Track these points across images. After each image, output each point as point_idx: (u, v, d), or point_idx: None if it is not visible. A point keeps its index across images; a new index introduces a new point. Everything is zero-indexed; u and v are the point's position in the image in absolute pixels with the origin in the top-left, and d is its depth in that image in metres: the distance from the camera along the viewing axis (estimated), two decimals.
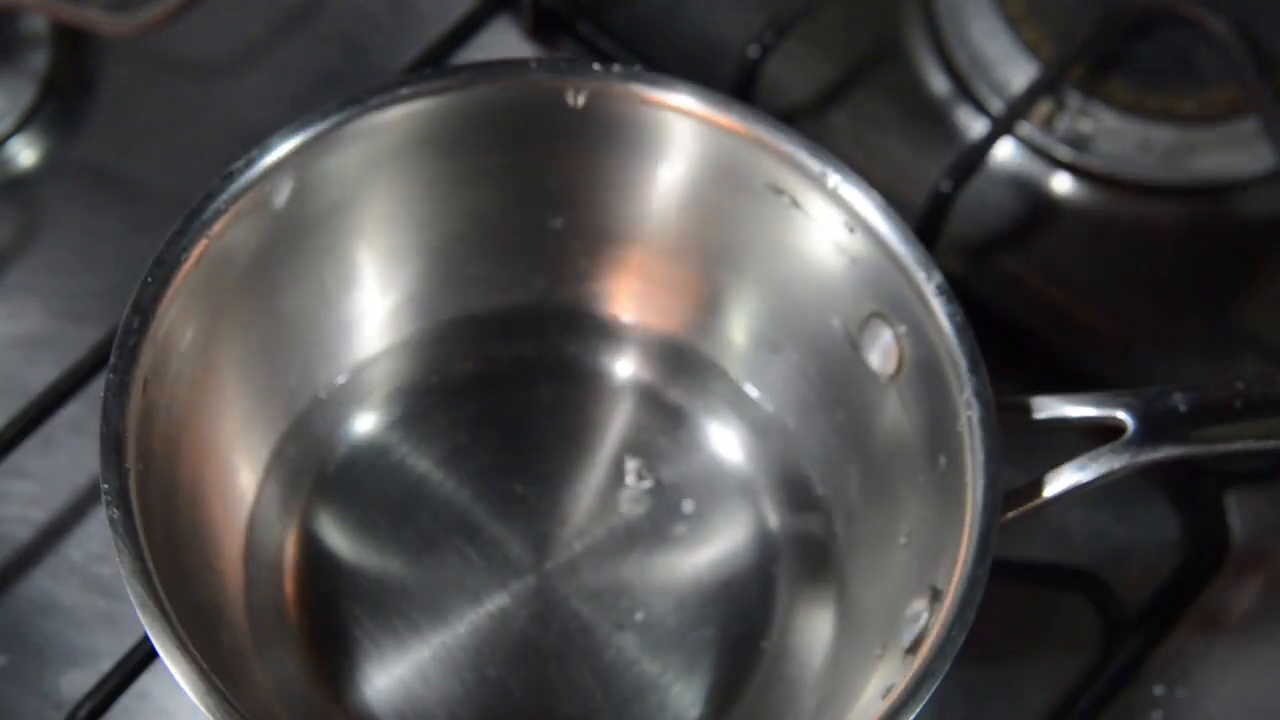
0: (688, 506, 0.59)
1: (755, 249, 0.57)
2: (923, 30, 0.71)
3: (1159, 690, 0.59)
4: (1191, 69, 0.69)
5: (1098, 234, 0.68)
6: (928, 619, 0.50)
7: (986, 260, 0.67)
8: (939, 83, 0.70)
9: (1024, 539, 0.59)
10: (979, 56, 0.69)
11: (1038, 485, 0.51)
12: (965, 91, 0.69)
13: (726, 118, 0.55)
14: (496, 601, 0.57)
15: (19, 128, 0.67)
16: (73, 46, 0.68)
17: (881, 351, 0.55)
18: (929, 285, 0.52)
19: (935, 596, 0.50)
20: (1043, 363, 0.64)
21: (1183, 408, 0.52)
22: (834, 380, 0.57)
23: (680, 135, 0.56)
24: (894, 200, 0.54)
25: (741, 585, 0.58)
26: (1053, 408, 0.52)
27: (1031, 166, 0.68)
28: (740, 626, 0.57)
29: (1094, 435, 0.52)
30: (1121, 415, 0.52)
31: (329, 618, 0.56)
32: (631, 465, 0.59)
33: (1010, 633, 0.59)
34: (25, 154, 0.67)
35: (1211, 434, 0.52)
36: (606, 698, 0.56)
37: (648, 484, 0.59)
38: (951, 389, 0.51)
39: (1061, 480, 0.51)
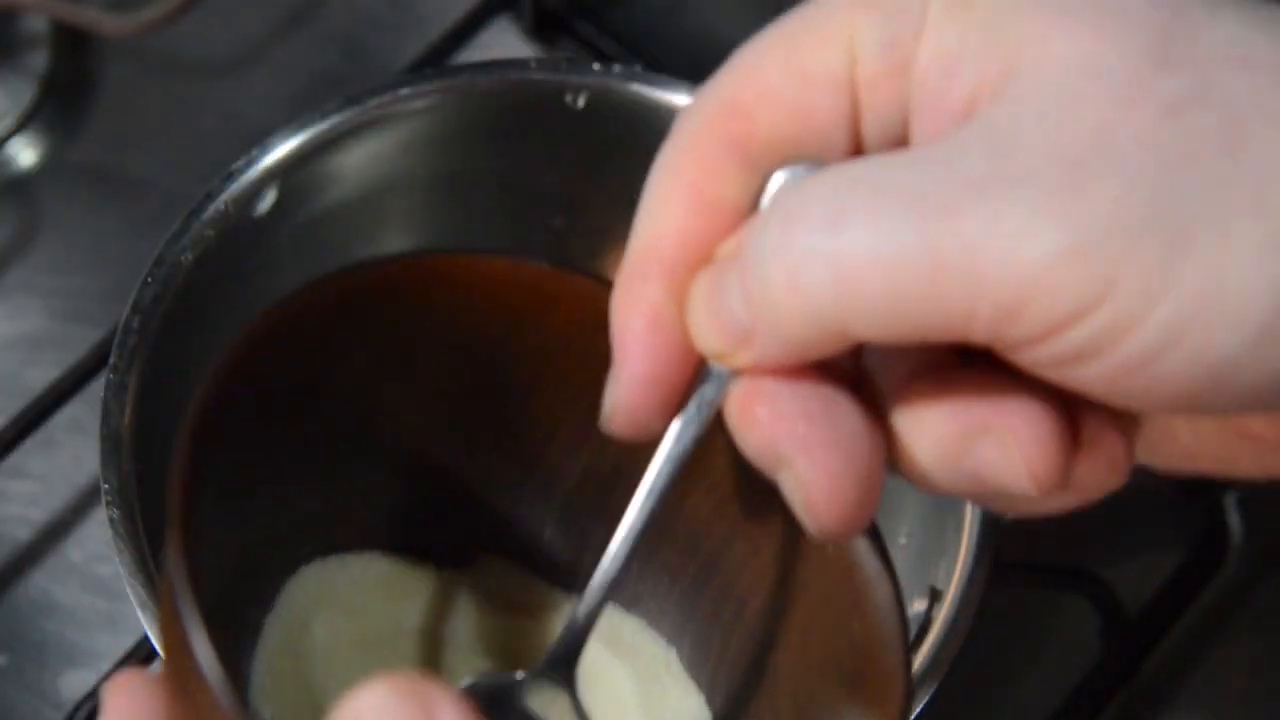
0: None
1: None
2: None
3: (1159, 690, 0.59)
4: None
5: None
6: (928, 619, 0.50)
7: None
8: None
9: (1024, 539, 0.59)
10: None
11: None
12: None
13: None
14: None
15: (19, 128, 0.67)
16: (73, 46, 0.68)
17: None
18: None
19: (935, 596, 0.50)
20: None
21: None
22: None
23: None
24: None
25: None
26: None
27: None
28: None
29: None
30: None
31: None
32: None
33: (1010, 633, 0.59)
34: (25, 154, 0.67)
35: None
36: None
37: None
38: None
39: None
